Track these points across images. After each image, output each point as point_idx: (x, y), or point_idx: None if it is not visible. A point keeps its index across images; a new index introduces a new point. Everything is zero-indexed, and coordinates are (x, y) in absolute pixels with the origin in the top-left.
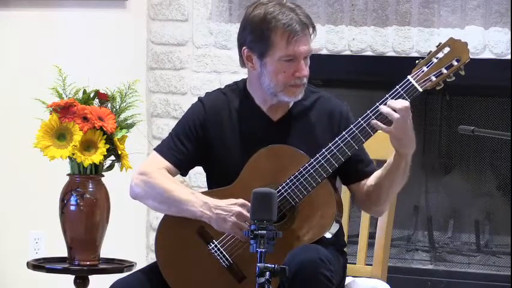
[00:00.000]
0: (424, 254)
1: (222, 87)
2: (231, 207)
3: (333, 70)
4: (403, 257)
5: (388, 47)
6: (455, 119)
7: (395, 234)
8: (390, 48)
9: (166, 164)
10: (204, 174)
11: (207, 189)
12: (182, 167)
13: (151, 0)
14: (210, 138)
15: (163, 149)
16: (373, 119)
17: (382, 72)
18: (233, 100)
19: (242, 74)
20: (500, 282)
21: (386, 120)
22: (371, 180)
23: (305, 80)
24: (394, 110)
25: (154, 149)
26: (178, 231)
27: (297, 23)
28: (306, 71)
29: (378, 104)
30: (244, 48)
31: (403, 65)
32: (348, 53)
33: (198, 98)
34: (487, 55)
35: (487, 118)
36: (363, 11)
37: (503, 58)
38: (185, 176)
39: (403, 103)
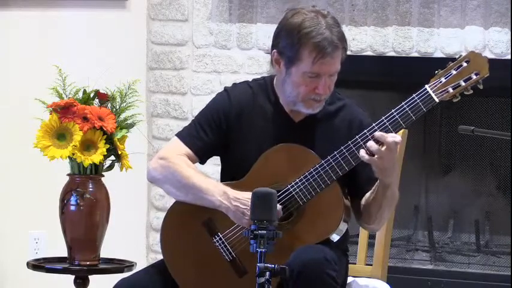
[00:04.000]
0: (424, 254)
1: (250, 80)
2: (249, 202)
3: None
4: (403, 257)
5: (388, 47)
6: (455, 119)
7: (395, 234)
8: (390, 48)
9: (187, 150)
10: (210, 170)
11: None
12: (202, 155)
13: (151, 0)
14: (231, 130)
15: (185, 136)
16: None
17: (382, 72)
18: (258, 96)
19: (242, 74)
20: (500, 282)
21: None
22: (363, 200)
23: (324, 97)
24: (382, 144)
25: (176, 135)
26: (185, 220)
27: (329, 44)
28: (326, 89)
29: (393, 111)
30: (274, 50)
31: (403, 65)
32: (348, 53)
33: (225, 87)
34: (487, 55)
35: (487, 118)
36: (363, 11)
37: (503, 58)
38: (203, 164)
39: (394, 137)
